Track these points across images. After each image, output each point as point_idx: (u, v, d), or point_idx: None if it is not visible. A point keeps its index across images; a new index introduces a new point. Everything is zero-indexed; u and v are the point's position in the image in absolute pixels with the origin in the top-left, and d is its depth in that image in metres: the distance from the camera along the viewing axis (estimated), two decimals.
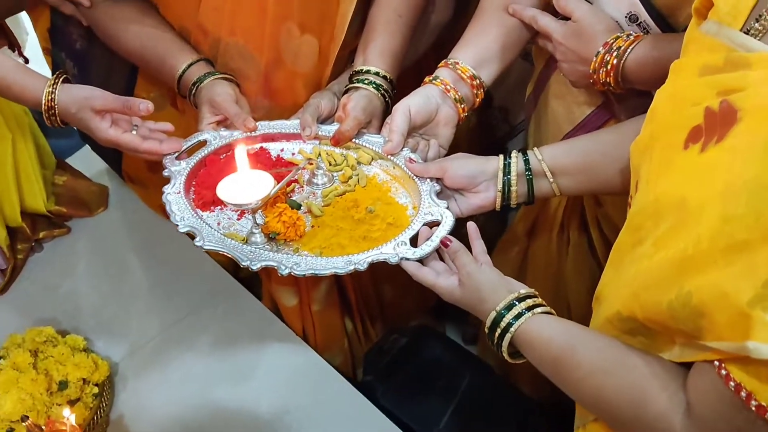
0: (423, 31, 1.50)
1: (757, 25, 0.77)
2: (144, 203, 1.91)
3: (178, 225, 1.16)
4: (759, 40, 0.76)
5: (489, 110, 1.73)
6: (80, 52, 1.56)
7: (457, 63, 1.26)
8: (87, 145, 2.05)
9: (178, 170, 1.24)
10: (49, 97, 1.26)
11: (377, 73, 1.33)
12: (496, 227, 1.65)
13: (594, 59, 1.13)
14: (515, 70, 1.54)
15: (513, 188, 1.17)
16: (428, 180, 1.21)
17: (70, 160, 2.07)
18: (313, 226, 1.20)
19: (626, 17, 1.13)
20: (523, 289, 1.02)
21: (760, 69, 0.73)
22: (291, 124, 1.33)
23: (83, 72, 1.59)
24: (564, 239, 1.46)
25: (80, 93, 1.27)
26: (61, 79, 1.28)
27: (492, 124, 1.75)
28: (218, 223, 1.20)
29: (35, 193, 1.90)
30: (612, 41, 1.12)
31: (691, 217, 0.75)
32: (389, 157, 1.26)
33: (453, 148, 1.31)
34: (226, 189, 1.14)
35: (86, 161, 2.06)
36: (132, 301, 1.72)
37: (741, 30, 0.78)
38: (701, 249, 0.72)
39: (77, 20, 1.51)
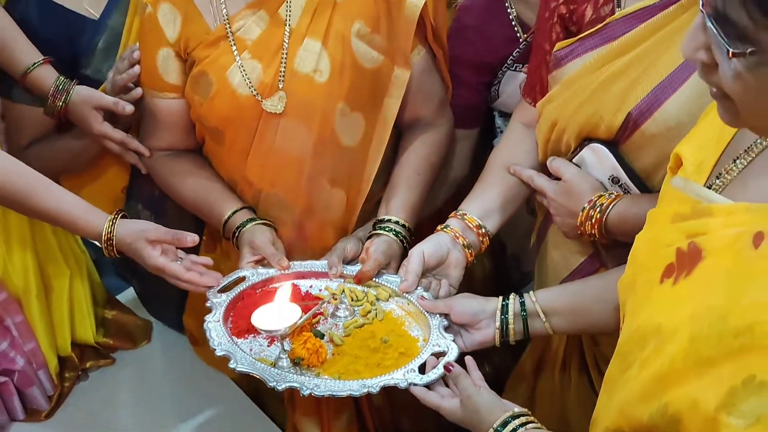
0: (441, 186, 1.74)
1: (717, 181, 0.97)
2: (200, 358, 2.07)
3: (215, 349, 1.36)
4: (719, 193, 0.97)
5: (503, 258, 1.94)
6: (158, 198, 1.82)
7: (465, 214, 1.49)
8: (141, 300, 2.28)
9: (219, 302, 1.46)
10: (109, 229, 1.51)
11: (397, 222, 1.57)
12: (508, 362, 1.81)
13: (581, 214, 1.35)
14: (524, 222, 1.77)
15: (510, 326, 1.36)
16: (438, 315, 1.41)
17: (120, 297, 2.32)
18: (333, 354, 1.39)
19: (609, 179, 1.36)
20: (517, 408, 1.19)
21: (719, 217, 0.92)
22: (320, 264, 1.55)
23: (159, 217, 1.83)
24: (566, 378, 1.62)
25: (136, 226, 1.52)
26: (119, 216, 1.53)
27: (506, 270, 1.96)
28: (250, 349, 1.40)
29: (86, 327, 2.12)
30: (596, 199, 1.34)
31: (667, 340, 0.92)
32: (405, 294, 1.46)
33: (470, 292, 1.51)
34: (259, 317, 1.35)
35: (134, 298, 2.31)
36: (167, 429, 1.90)
37: (704, 185, 0.99)
38: (675, 367, 0.89)
39: None
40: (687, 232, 0.95)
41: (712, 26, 0.77)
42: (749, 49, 0.75)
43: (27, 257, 2.02)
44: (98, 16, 1.82)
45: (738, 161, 0.96)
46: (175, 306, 2.05)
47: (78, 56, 1.81)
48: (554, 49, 1.37)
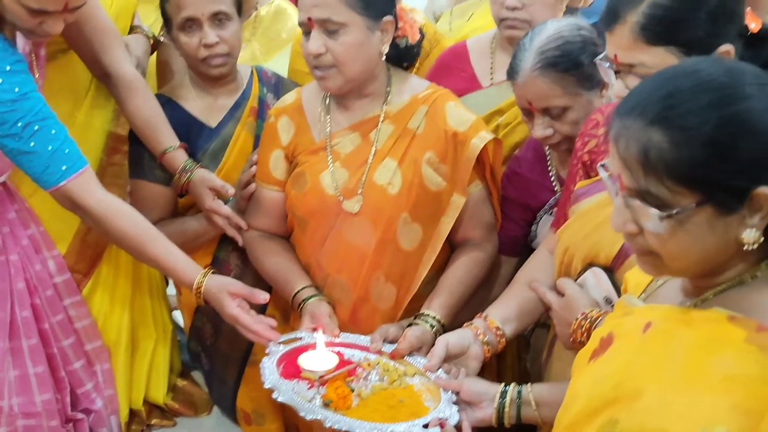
0: (483, 301, 2.19)
1: (643, 295, 1.43)
2: None
3: (265, 382, 1.85)
4: (644, 302, 1.42)
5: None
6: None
7: (488, 316, 1.93)
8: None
9: (276, 350, 1.94)
10: (200, 280, 2.04)
11: (434, 317, 2.04)
12: None
13: (574, 323, 1.80)
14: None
15: (506, 410, 1.77)
16: (450, 392, 1.86)
17: (193, 373, 2.86)
18: (358, 405, 1.84)
19: (603, 299, 1.79)
20: None
21: (634, 315, 1.33)
22: (364, 339, 2.02)
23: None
24: None
25: (222, 280, 2.06)
26: (211, 271, 2.07)
27: None
28: (293, 389, 1.85)
29: (159, 388, 2.66)
30: (588, 312, 1.76)
31: (576, 401, 1.32)
32: (427, 373, 1.90)
33: None
34: (305, 360, 1.85)
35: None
36: None
37: (638, 297, 1.45)
38: (577, 419, 1.28)
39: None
40: (613, 326, 1.35)
41: (638, 202, 1.16)
42: (675, 210, 1.14)
43: (124, 316, 2.60)
44: (215, 126, 2.48)
45: (659, 281, 1.38)
46: (232, 386, 2.55)
47: (193, 154, 2.43)
48: (575, 188, 1.88)
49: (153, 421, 2.62)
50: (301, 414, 1.77)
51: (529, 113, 2.15)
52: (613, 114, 1.21)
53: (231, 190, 2.28)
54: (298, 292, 2.14)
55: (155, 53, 2.67)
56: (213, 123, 2.47)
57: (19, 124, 1.98)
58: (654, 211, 1.16)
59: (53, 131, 2.03)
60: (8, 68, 1.98)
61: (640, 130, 1.15)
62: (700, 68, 1.18)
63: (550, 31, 2.11)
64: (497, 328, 1.93)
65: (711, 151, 1.11)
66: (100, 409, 2.47)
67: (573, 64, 2.06)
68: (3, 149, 2.03)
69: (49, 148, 2.01)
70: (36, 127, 1.99)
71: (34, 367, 2.33)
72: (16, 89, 1.98)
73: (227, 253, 2.45)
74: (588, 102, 2.10)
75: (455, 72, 2.54)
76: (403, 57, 2.20)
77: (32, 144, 1.99)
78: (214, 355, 2.55)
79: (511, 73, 2.14)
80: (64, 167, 2.04)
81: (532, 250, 2.27)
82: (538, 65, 2.06)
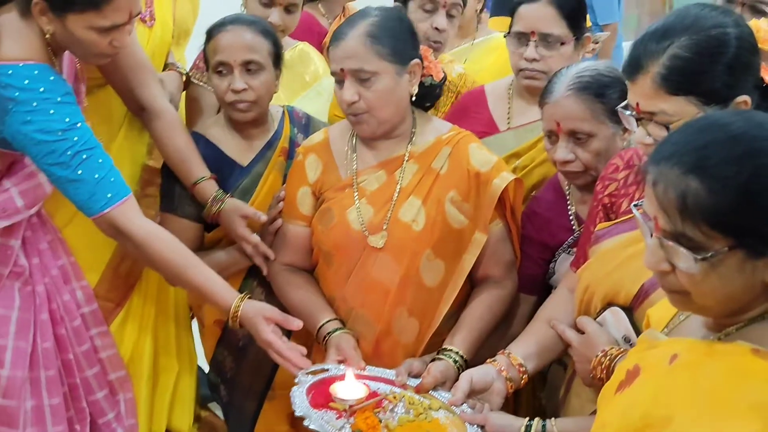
0: (501, 337, 2.30)
1: (666, 330, 1.53)
2: None
3: (296, 410, 1.94)
4: (667, 335, 1.52)
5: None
6: None
7: (510, 353, 2.03)
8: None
9: (306, 380, 2.03)
10: (238, 304, 2.14)
11: (457, 353, 2.14)
12: None
13: (594, 360, 1.89)
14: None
15: None
16: (475, 426, 1.95)
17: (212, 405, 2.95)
18: None
19: (622, 338, 1.88)
20: None
21: (659, 347, 1.44)
22: (389, 372, 2.11)
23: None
24: None
25: (258, 305, 2.17)
26: (247, 297, 2.17)
27: None
28: (322, 418, 1.95)
29: (184, 417, 2.75)
30: (608, 349, 1.86)
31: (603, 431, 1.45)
32: (452, 407, 1.98)
33: None
34: (336, 389, 1.94)
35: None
36: None
37: (661, 331, 1.55)
38: None
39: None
40: (639, 358, 1.45)
41: (673, 244, 1.26)
42: (709, 254, 1.24)
43: (151, 345, 2.69)
44: (246, 165, 2.59)
45: (681, 316, 1.49)
46: (250, 418, 2.64)
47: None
48: (596, 229, 1.99)
49: None
50: None
51: (554, 137, 2.26)
52: (649, 161, 1.31)
53: (263, 217, 2.40)
54: (323, 324, 2.24)
55: (186, 90, 2.78)
56: (244, 162, 2.58)
57: (69, 153, 2.09)
58: (689, 253, 1.25)
59: (100, 160, 2.14)
60: (59, 99, 2.10)
61: (678, 177, 1.25)
62: (731, 121, 1.29)
63: (586, 64, 2.29)
64: (520, 365, 2.03)
65: (744, 199, 1.22)
66: None
67: (604, 93, 2.20)
68: (51, 177, 2.14)
69: (96, 176, 2.12)
70: (84, 156, 2.10)
71: (50, 398, 2.39)
72: (67, 119, 2.10)
73: (252, 288, 2.55)
74: (612, 135, 2.22)
75: (473, 115, 2.67)
76: (426, 96, 2.33)
77: (80, 172, 2.10)
78: (234, 387, 2.64)
79: (545, 95, 2.28)
80: (109, 195, 2.14)
81: (550, 288, 2.38)
82: (573, 86, 2.21)
